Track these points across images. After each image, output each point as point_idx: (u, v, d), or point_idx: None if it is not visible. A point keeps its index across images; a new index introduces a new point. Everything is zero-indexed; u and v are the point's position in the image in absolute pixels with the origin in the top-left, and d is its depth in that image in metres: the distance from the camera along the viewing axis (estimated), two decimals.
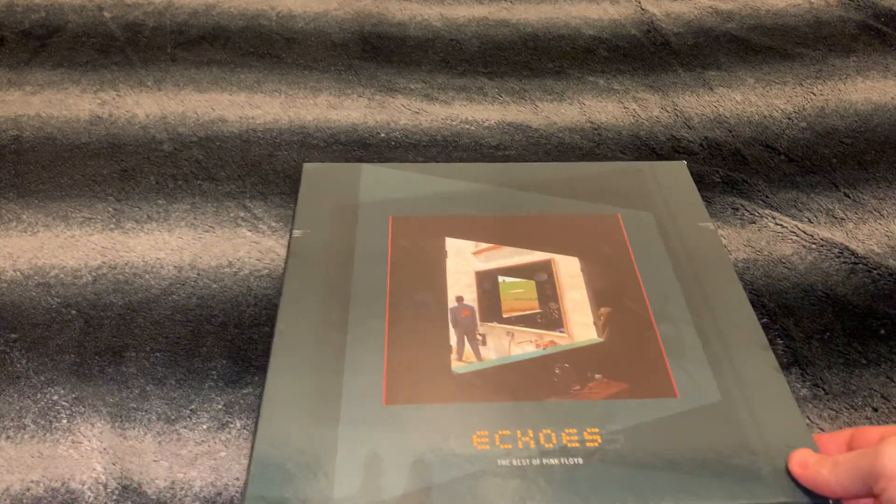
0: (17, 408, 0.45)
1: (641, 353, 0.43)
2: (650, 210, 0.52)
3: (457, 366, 0.43)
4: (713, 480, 0.37)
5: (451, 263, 0.49)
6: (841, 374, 0.48)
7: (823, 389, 0.47)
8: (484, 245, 0.50)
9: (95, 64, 0.74)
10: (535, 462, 0.38)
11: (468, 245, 0.50)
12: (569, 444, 0.39)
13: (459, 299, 0.46)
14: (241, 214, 0.57)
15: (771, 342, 0.49)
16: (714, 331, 0.44)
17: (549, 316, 0.46)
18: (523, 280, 0.48)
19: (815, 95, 0.71)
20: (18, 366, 0.47)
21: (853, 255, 0.55)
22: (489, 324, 0.45)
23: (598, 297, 0.47)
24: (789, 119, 0.68)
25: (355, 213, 0.51)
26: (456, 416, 0.40)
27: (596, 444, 0.39)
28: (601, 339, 0.44)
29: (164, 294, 0.51)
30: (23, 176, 0.61)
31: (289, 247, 0.49)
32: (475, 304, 0.46)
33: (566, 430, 0.39)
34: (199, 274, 0.53)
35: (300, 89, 0.69)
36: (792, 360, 0.49)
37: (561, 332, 0.45)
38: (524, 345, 0.44)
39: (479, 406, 0.40)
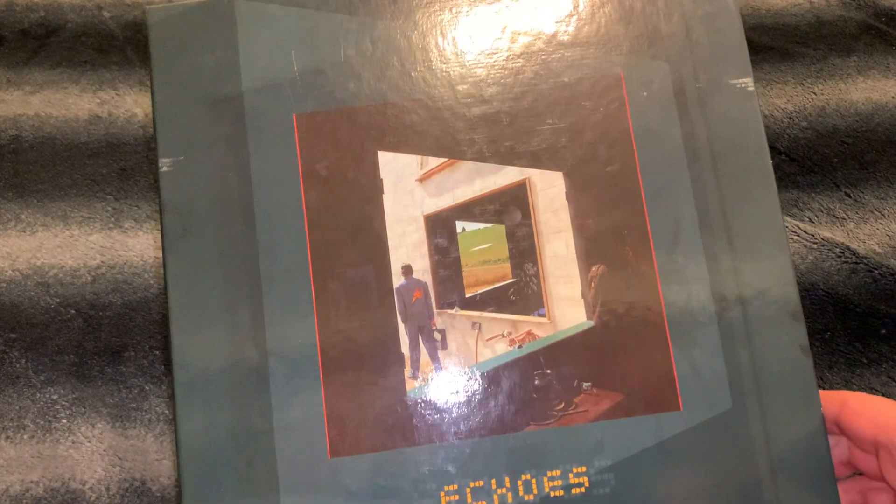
0: (17, 408, 0.45)
1: (640, 340, 0.34)
2: (666, 58, 0.36)
3: (412, 387, 0.33)
4: None
5: (390, 204, 0.34)
6: (842, 374, 0.48)
7: (824, 389, 0.47)
8: (434, 162, 0.35)
9: (95, 63, 0.74)
10: None
11: (411, 164, 0.35)
12: (552, 493, 0.32)
13: (407, 271, 0.34)
14: None
15: None
16: (734, 291, 0.34)
17: (525, 288, 0.34)
18: (489, 226, 0.35)
19: (815, 95, 0.71)
20: (18, 366, 0.47)
21: (854, 254, 0.55)
22: (448, 311, 0.34)
23: (589, 245, 0.35)
24: (790, 119, 0.68)
25: (241, 115, 0.35)
26: (420, 466, 0.32)
27: (583, 490, 0.32)
28: (592, 323, 0.34)
29: (163, 293, 0.51)
30: (22, 176, 0.61)
31: (160, 196, 0.36)
32: (429, 277, 0.34)
33: (549, 473, 0.32)
34: None
35: None
36: None
37: (541, 314, 0.34)
38: (495, 342, 0.34)
39: (446, 449, 0.33)
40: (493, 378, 0.34)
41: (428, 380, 0.33)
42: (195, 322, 0.33)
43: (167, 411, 0.45)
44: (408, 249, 0.34)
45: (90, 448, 0.43)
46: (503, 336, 0.34)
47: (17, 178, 0.60)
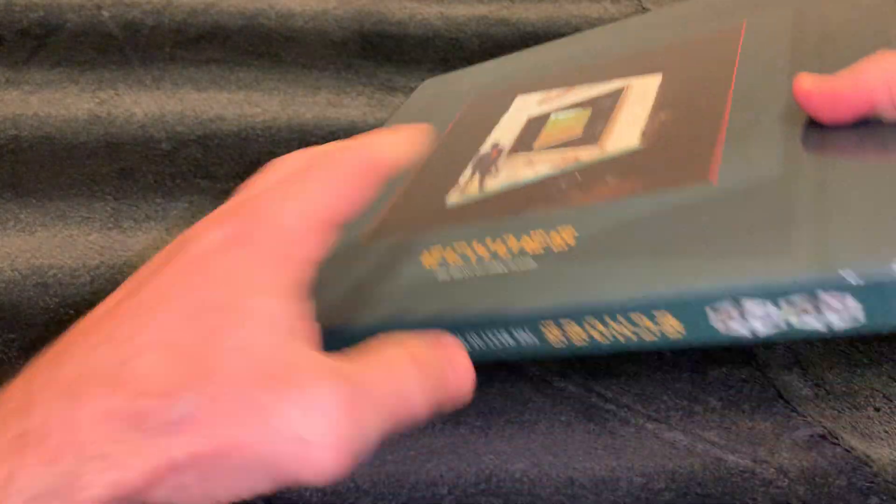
0: None
1: (687, 145, 0.30)
2: (791, 4, 0.36)
3: (451, 200, 0.36)
4: (721, 260, 0.24)
5: (506, 116, 0.42)
6: (843, 374, 0.47)
7: (825, 389, 0.47)
8: (555, 91, 0.41)
9: (94, 63, 0.74)
10: (479, 273, 0.29)
11: (536, 97, 0.42)
12: (527, 248, 0.29)
13: (495, 146, 0.39)
14: None
15: (772, 342, 0.49)
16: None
17: (587, 134, 0.35)
18: (579, 111, 0.38)
19: None
20: (17, 366, 0.47)
21: None
22: (513, 155, 0.37)
23: (663, 106, 0.34)
24: None
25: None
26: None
27: (565, 248, 0.28)
28: (639, 146, 0.32)
29: None
30: (21, 175, 0.61)
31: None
32: (510, 145, 0.38)
33: (531, 233, 0.29)
34: None
35: (299, 87, 0.69)
36: (793, 361, 0.48)
37: (591, 146, 0.34)
38: (538, 165, 0.35)
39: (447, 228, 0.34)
40: (525, 189, 0.34)
41: (469, 194, 0.36)
42: None
43: None
44: (503, 134, 0.40)
45: None
46: (549, 162, 0.35)
47: (15, 178, 0.60)
